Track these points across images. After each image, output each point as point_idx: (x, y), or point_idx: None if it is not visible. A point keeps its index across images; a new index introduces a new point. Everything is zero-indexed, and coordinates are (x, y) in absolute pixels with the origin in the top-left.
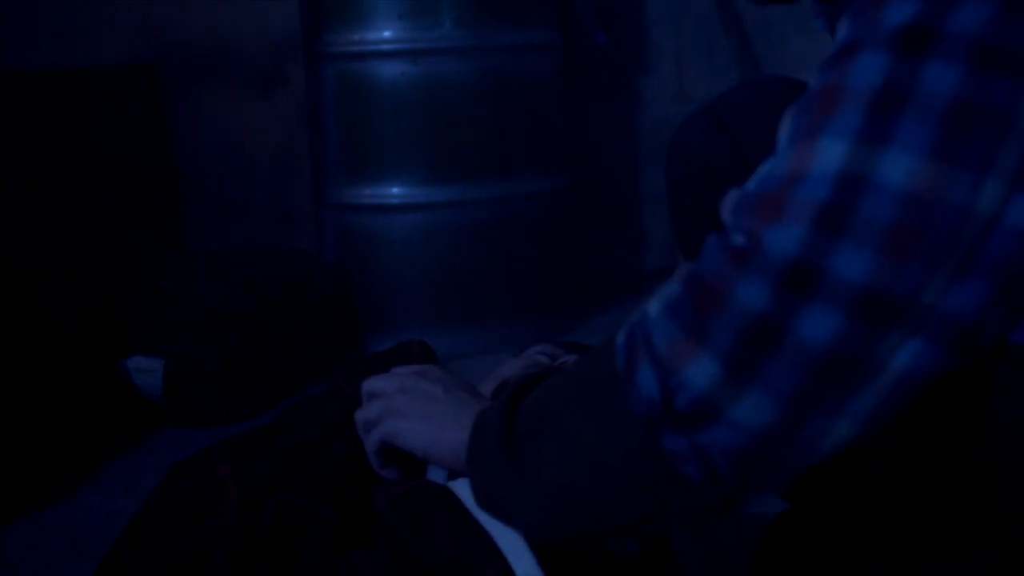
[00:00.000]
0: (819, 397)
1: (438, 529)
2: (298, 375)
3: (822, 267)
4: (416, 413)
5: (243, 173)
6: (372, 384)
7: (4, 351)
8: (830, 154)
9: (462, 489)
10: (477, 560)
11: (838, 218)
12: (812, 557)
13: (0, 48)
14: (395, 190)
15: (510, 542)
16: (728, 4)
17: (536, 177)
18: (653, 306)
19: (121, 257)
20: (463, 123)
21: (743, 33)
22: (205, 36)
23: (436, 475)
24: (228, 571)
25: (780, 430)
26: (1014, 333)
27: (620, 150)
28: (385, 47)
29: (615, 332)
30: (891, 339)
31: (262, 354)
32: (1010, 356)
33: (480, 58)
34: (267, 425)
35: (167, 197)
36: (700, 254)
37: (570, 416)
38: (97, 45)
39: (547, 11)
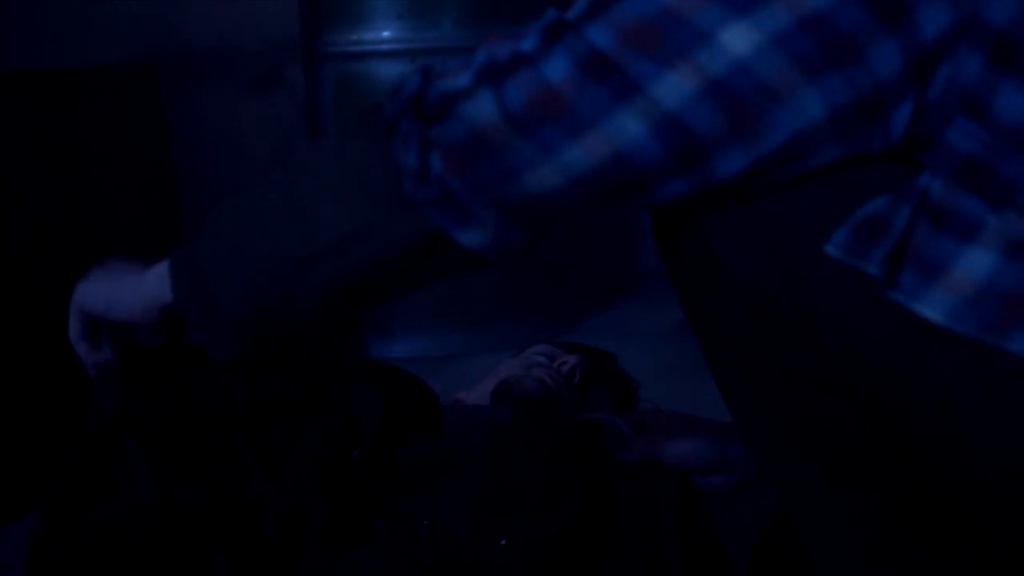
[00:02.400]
0: (535, 125)
1: None
2: None
3: (580, 31)
4: (101, 279)
5: (242, 173)
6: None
7: (3, 350)
8: None
9: None
10: None
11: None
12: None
13: (0, 48)
14: None
15: None
16: None
17: None
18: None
19: (120, 256)
20: None
21: None
22: (205, 36)
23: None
24: None
25: (496, 137)
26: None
27: None
28: (384, 47)
29: (615, 332)
30: (602, 99)
31: (260, 353)
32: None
33: None
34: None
35: (166, 197)
36: (676, 255)
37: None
38: (97, 45)
39: (544, 10)
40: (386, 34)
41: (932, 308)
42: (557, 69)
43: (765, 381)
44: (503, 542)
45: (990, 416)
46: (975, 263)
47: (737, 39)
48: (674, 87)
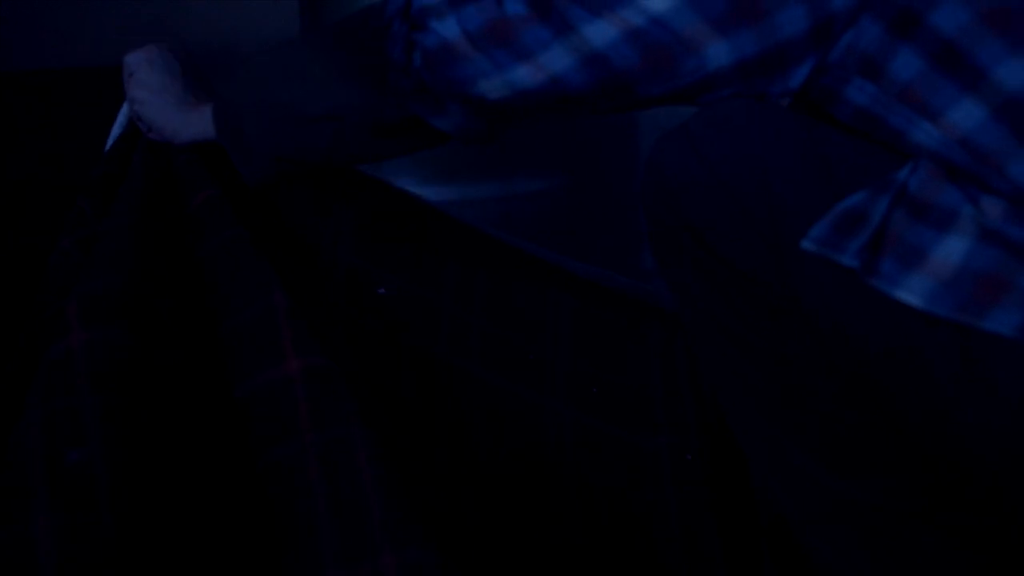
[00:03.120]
0: (490, 46)
1: None
2: None
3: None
4: (160, 104)
5: None
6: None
7: (3, 350)
8: None
9: None
10: None
11: None
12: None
13: (0, 48)
14: None
15: None
16: None
17: (534, 177)
18: None
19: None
20: None
21: None
22: (205, 35)
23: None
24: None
25: (459, 49)
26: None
27: (618, 150)
28: None
29: None
30: (544, 34)
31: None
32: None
33: None
34: None
35: None
36: (670, 248)
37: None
38: (97, 45)
39: None
40: None
41: (911, 293)
42: (513, 4)
43: (761, 369)
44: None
45: (971, 389)
46: (951, 249)
47: (656, 1)
48: (601, 31)
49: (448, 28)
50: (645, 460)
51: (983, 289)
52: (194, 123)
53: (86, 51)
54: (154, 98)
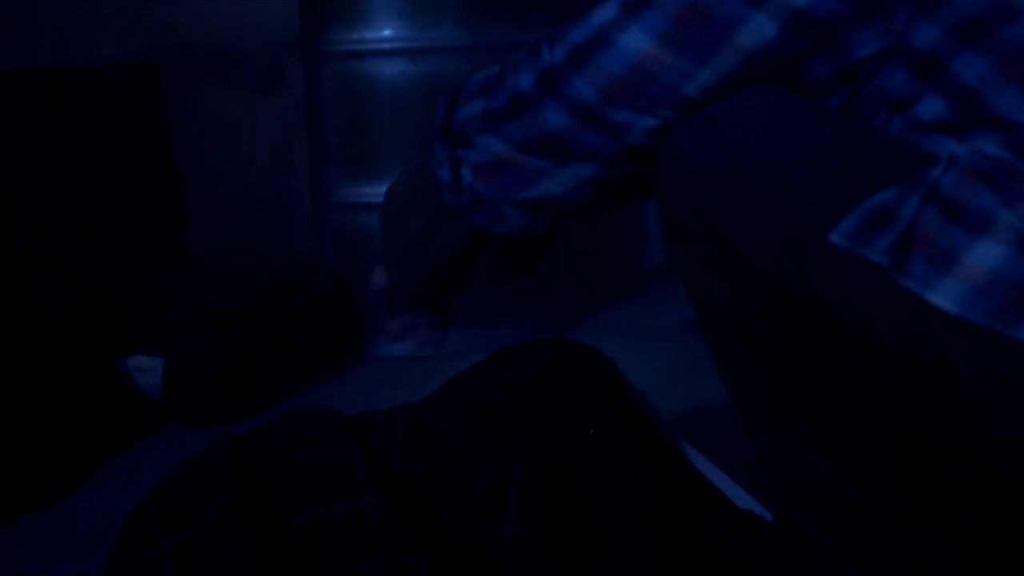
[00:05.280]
0: (543, 153)
1: None
2: (297, 374)
3: (566, 79)
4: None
5: (242, 172)
6: None
7: (3, 351)
8: (585, 25)
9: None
10: None
11: (582, 58)
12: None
13: (0, 47)
14: None
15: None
16: None
17: None
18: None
19: (121, 256)
20: None
21: None
22: (205, 35)
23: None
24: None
25: (510, 159)
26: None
27: None
28: (385, 46)
29: (615, 332)
30: (596, 140)
31: (261, 353)
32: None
33: (479, 57)
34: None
35: (166, 196)
36: (687, 246)
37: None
38: (97, 44)
39: (546, 10)
40: (387, 33)
41: (943, 296)
42: (555, 115)
43: (777, 369)
44: None
45: (997, 402)
46: (986, 254)
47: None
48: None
49: (494, 144)
50: None
51: (1019, 297)
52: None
53: (86, 51)
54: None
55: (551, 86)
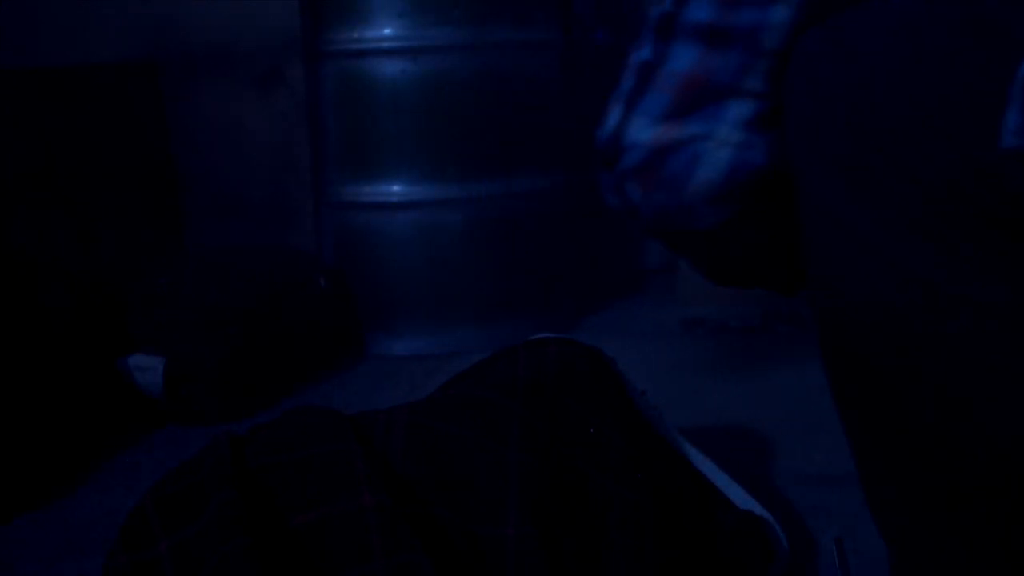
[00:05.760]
0: (693, 109)
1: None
2: (298, 373)
3: (681, 14)
4: None
5: (243, 171)
6: None
7: (4, 350)
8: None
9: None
10: None
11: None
12: None
13: (0, 46)
14: (395, 188)
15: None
16: None
17: (536, 175)
18: None
19: (121, 256)
20: (463, 121)
21: None
22: (205, 34)
23: None
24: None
25: (666, 138)
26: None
27: None
28: (385, 45)
29: (615, 332)
30: (731, 61)
31: (262, 352)
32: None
33: (480, 56)
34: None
35: (167, 195)
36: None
37: None
38: (97, 43)
39: (546, 9)
40: (387, 32)
41: None
42: (685, 54)
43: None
44: None
45: None
46: None
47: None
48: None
49: (640, 133)
50: None
51: None
52: None
53: (86, 49)
54: None
55: (669, 31)
